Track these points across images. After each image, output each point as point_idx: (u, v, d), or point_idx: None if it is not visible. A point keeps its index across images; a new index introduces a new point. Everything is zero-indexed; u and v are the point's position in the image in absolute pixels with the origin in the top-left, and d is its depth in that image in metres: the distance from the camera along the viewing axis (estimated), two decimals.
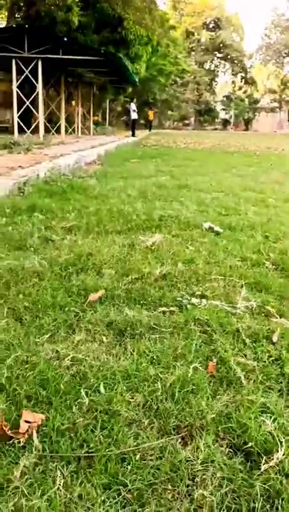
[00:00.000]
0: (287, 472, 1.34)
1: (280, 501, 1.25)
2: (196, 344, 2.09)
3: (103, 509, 1.19)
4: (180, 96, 53.15)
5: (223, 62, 63.13)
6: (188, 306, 2.52)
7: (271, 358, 2.01)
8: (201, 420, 1.55)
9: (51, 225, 4.04)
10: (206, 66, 63.23)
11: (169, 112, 55.60)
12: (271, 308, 2.49)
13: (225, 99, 62.09)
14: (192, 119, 62.05)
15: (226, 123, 61.24)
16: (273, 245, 3.82)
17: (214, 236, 4.02)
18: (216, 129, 57.39)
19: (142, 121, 42.84)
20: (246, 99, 60.36)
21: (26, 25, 15.80)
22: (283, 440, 1.44)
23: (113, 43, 25.93)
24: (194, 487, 1.28)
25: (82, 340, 2.11)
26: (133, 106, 25.57)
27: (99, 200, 5.31)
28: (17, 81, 15.77)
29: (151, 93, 41.67)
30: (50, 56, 15.26)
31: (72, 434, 1.46)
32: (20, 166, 7.54)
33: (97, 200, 5.29)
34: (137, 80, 26.28)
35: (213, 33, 60.50)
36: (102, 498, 1.22)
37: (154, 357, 1.97)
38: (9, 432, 1.43)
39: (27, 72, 15.43)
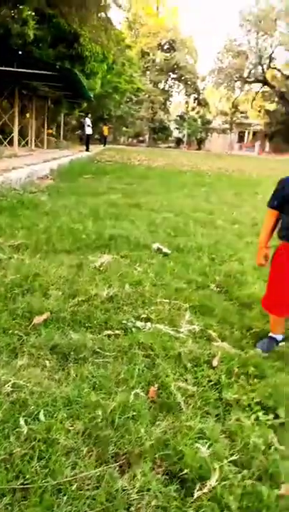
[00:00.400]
0: (219, 499, 1.38)
1: None
2: (138, 369, 2.12)
3: None
4: (135, 113, 53.79)
5: (177, 82, 64.58)
6: (133, 329, 2.55)
7: (211, 383, 2.07)
8: (139, 447, 1.58)
9: None
10: (161, 86, 64.46)
11: (124, 129, 56.09)
12: (213, 332, 2.56)
13: (178, 118, 63.44)
14: (146, 137, 62.90)
15: (179, 142, 62.50)
16: (219, 267, 3.93)
17: (162, 257, 4.09)
18: (169, 147, 58.40)
19: (96, 136, 43.01)
20: (199, 120, 61.90)
21: None
22: (217, 466, 1.48)
23: (69, 58, 26.03)
24: None
25: (25, 365, 2.09)
26: (88, 121, 25.68)
27: (49, 217, 5.27)
28: None
29: (107, 109, 41.94)
30: (3, 69, 15.11)
31: (8, 465, 1.44)
32: None
33: (47, 217, 5.26)
34: (92, 95, 26.46)
35: (167, 54, 61.90)
36: None
37: (97, 382, 1.98)
38: None
39: None
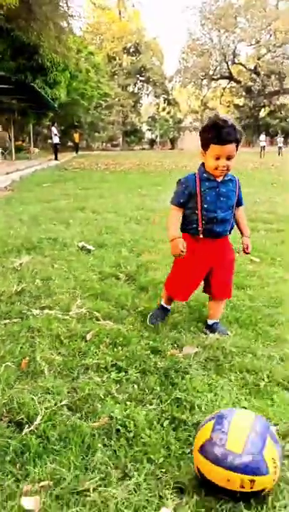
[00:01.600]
0: (41, 433, 1.74)
1: (28, 454, 1.65)
2: (20, 347, 2.48)
3: None
4: (106, 118, 54.22)
5: (145, 84, 65.24)
6: (30, 317, 2.90)
7: (80, 353, 2.44)
8: None
9: None
10: (130, 89, 65.03)
11: (97, 134, 56.46)
12: (98, 313, 2.92)
13: (150, 119, 64.08)
14: (120, 140, 63.36)
15: (152, 142, 63.14)
16: (136, 259, 4.30)
17: (85, 254, 4.45)
18: (143, 149, 58.95)
19: (70, 144, 43.30)
20: (170, 120, 62.61)
21: None
22: (47, 411, 1.85)
23: (30, 70, 26.37)
24: None
25: None
26: (54, 130, 25.93)
27: None
28: None
29: (76, 116, 42.29)
30: None
31: None
32: None
33: None
34: (56, 105, 26.79)
35: (133, 58, 62.57)
36: None
37: None
38: None
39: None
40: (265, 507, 1.41)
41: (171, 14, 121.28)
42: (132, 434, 1.75)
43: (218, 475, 1.37)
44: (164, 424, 1.82)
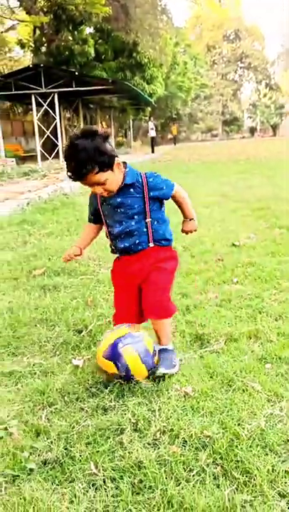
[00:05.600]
0: (92, 335, 2.65)
1: (82, 344, 2.56)
2: (89, 292, 3.42)
3: None
4: (204, 109, 54.52)
5: (246, 71, 64.10)
6: (100, 274, 3.84)
7: None
8: None
9: (32, 233, 5.48)
10: (230, 76, 64.34)
11: (195, 125, 56.97)
12: None
13: (251, 107, 62.86)
14: (219, 130, 63.07)
15: (252, 130, 61.93)
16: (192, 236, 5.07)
17: None
18: (243, 137, 58.12)
19: (170, 137, 44.51)
20: (272, 105, 60.85)
21: (41, 64, 17.70)
22: (96, 323, 2.76)
23: (129, 67, 27.77)
24: None
25: None
26: (151, 124, 27.08)
27: (78, 213, 6.67)
28: (37, 113, 17.71)
29: (174, 109, 43.22)
30: (63, 90, 17.06)
31: None
32: (29, 191, 9.12)
33: (77, 213, 6.68)
34: (152, 100, 27.92)
35: (233, 44, 61.79)
36: None
37: None
38: None
39: (45, 105, 17.33)
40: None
41: None
42: None
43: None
44: None
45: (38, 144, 17.70)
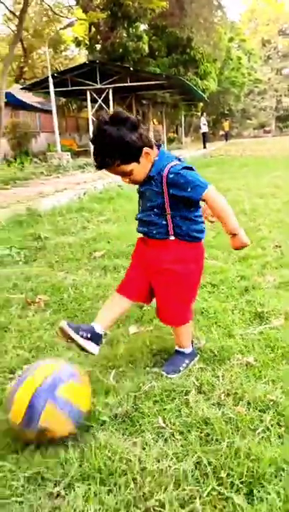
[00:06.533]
0: None
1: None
2: None
3: None
4: (257, 104, 53.56)
5: None
6: None
7: None
8: None
9: (90, 219, 5.67)
10: (285, 72, 62.80)
11: (248, 121, 56.10)
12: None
13: None
14: (272, 126, 61.73)
15: None
16: (250, 223, 5.08)
17: None
18: None
19: (221, 133, 44.09)
20: None
21: (97, 61, 18.01)
22: None
23: (182, 63, 27.74)
24: None
25: None
26: (203, 120, 26.90)
27: (135, 202, 6.82)
28: (92, 109, 18.06)
29: (227, 104, 42.71)
30: (118, 85, 17.31)
31: None
32: (84, 182, 9.38)
33: (135, 203, 6.82)
34: (205, 95, 27.74)
35: None
36: None
37: None
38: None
39: (100, 101, 17.65)
40: None
41: None
42: None
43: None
44: None
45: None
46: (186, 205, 1.89)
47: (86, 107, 24.53)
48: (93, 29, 28.35)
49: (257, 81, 47.15)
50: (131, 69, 17.50)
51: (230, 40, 36.85)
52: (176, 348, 2.12)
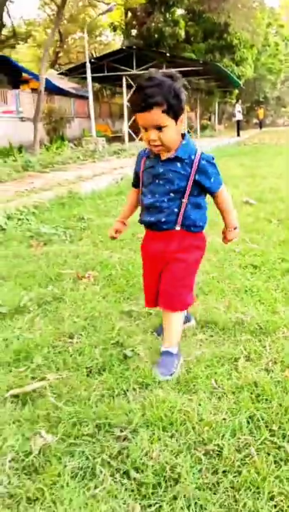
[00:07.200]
0: None
1: None
2: None
3: None
4: None
5: None
6: None
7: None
8: None
9: None
10: None
11: (283, 109, 55.00)
12: (248, 239, 3.93)
13: None
14: None
15: None
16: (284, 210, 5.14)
17: (248, 206, 5.45)
18: None
19: (255, 121, 43.42)
20: None
21: (134, 46, 18.04)
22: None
23: (218, 49, 27.39)
24: None
25: None
26: (238, 107, 26.59)
27: None
28: (127, 95, 18.14)
29: (262, 92, 41.98)
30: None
31: None
32: (121, 167, 9.53)
33: None
34: (241, 82, 27.36)
35: None
36: None
37: None
38: None
39: (135, 87, 17.68)
40: None
41: None
42: None
43: None
44: None
45: (126, 124, 18.17)
46: (200, 192, 1.93)
47: (120, 93, 24.65)
48: (129, 14, 28.30)
49: None
50: (167, 55, 17.45)
51: (268, 25, 36.07)
52: (164, 348, 2.07)
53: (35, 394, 1.83)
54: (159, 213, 1.92)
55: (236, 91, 31.54)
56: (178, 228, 1.93)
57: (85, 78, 16.67)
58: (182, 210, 1.90)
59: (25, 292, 2.89)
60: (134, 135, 18.43)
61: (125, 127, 18.20)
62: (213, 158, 1.91)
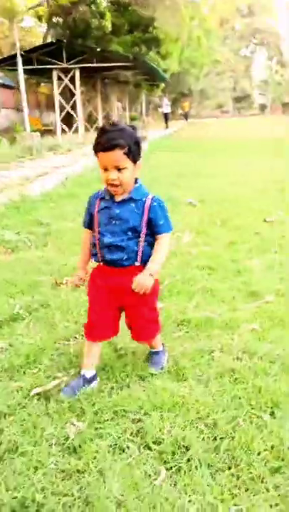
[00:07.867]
0: None
1: None
2: None
3: None
4: (216, 85, 54.26)
5: (258, 47, 63.38)
6: None
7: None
8: None
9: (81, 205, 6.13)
10: (242, 53, 63.68)
11: (206, 101, 56.80)
12: (200, 242, 4.44)
13: (262, 83, 62.43)
14: (230, 107, 62.79)
15: (263, 108, 61.63)
16: (229, 211, 5.72)
17: (191, 207, 5.98)
18: (253, 115, 57.92)
19: (180, 112, 44.51)
20: (283, 83, 60.41)
21: (64, 40, 18.00)
22: None
23: (145, 42, 27.78)
24: None
25: None
26: (165, 100, 27.35)
27: None
28: (58, 88, 18.12)
29: (186, 85, 43.14)
30: (84, 65, 17.43)
31: None
32: (63, 166, 9.73)
33: None
34: (167, 76, 28.06)
35: (247, 20, 60.92)
36: None
37: None
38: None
39: (66, 80, 17.73)
40: None
41: None
42: None
43: None
44: None
45: (58, 118, 18.15)
46: (152, 233, 2.08)
47: (46, 82, 24.36)
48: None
49: (216, 62, 47.72)
50: (98, 49, 17.60)
51: (191, 19, 37.01)
52: (151, 350, 2.45)
53: (54, 390, 2.19)
54: (120, 252, 2.06)
55: (162, 84, 32.23)
56: (137, 264, 2.09)
57: (13, 70, 16.41)
58: (140, 247, 2.06)
59: (14, 301, 3.18)
60: (66, 128, 18.47)
61: (58, 121, 18.17)
62: (163, 202, 2.09)
